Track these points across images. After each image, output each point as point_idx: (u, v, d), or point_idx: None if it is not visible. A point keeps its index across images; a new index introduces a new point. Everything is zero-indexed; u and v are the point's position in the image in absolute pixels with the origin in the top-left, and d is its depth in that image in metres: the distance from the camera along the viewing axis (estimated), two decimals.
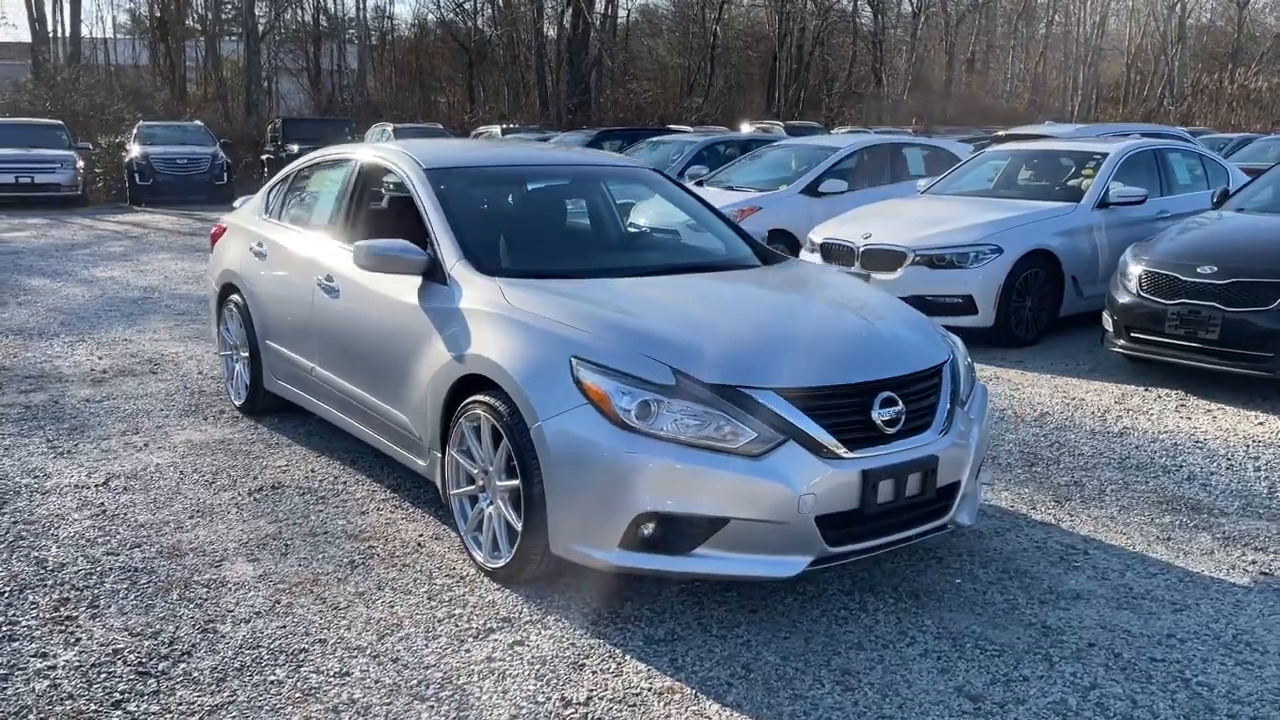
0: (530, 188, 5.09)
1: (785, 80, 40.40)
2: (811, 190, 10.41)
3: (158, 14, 39.69)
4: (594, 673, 3.14)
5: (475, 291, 3.98)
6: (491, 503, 3.74)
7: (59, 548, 4.03)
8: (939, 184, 9.73)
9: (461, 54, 39.71)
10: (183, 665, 3.16)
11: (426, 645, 3.30)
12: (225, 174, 21.03)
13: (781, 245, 9.73)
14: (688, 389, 3.35)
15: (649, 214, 5.93)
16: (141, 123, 22.81)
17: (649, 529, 3.31)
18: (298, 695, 2.99)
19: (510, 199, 4.95)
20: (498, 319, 3.79)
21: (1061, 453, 5.41)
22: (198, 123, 23.48)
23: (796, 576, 3.38)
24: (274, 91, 41.47)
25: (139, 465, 5.02)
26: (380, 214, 5.25)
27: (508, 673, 3.13)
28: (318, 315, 4.91)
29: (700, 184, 11.43)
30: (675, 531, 3.32)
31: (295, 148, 22.37)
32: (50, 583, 3.71)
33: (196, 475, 4.89)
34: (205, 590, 3.68)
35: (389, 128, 24.69)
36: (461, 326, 3.90)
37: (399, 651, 3.26)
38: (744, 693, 3.05)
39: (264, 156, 23.07)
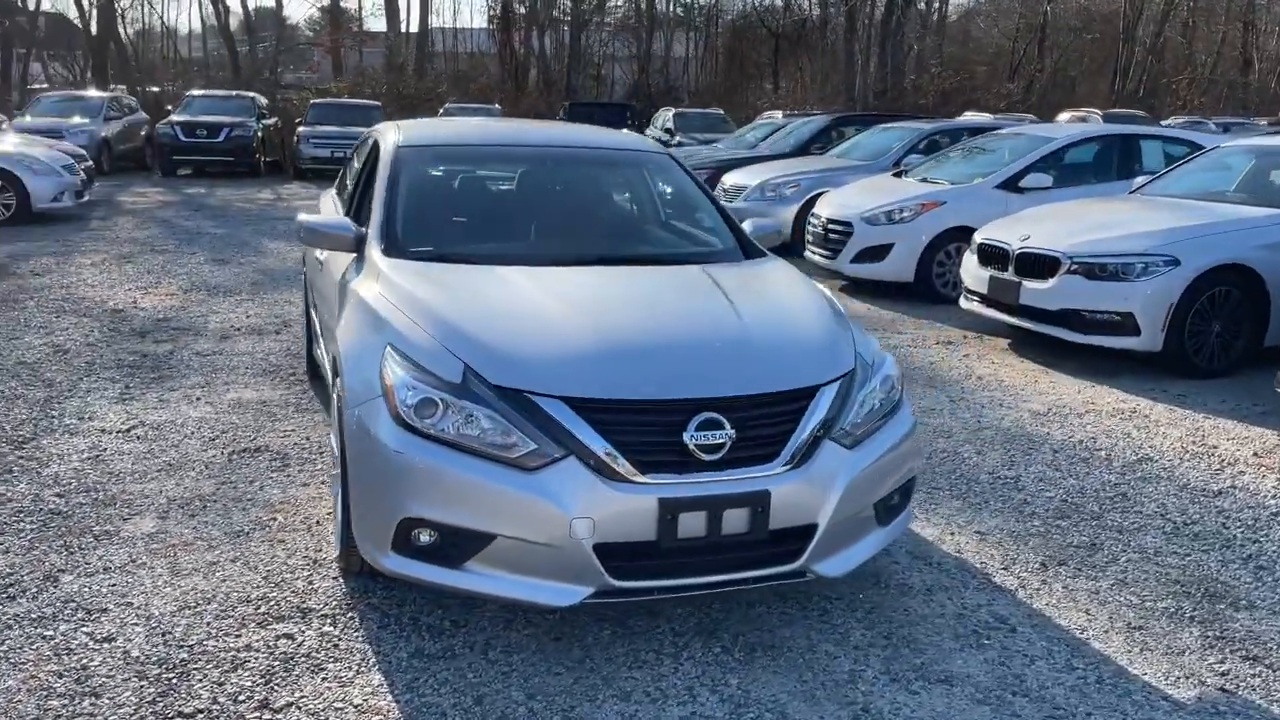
0: (501, 169, 4.96)
1: (1129, 65, 36.74)
2: (1011, 185, 9.38)
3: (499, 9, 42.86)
4: (323, 680, 3.00)
5: (367, 270, 3.91)
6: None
7: (25, 485, 4.42)
8: (1156, 183, 8.43)
9: (774, 40, 39.56)
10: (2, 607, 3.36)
11: (207, 623, 3.30)
12: None
13: (958, 245, 8.89)
14: (475, 389, 3.10)
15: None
16: (447, 104, 24.67)
17: (424, 536, 3.10)
18: (48, 653, 3.09)
19: (473, 180, 4.82)
20: (360, 300, 3.70)
21: (1114, 506, 4.52)
22: (496, 106, 25.02)
23: (575, 608, 3.05)
24: (604, 78, 43.36)
25: (172, 417, 5.41)
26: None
27: (244, 664, 3.06)
28: (315, 286, 5.09)
29: (900, 175, 10.66)
30: (447, 542, 3.08)
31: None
32: None
33: (207, 432, 5.20)
34: (90, 541, 3.89)
35: (670, 112, 25.09)
36: (345, 305, 3.85)
37: (175, 625, 3.28)
38: None
39: None
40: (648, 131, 25.23)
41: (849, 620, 3.47)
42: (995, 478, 4.87)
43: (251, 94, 24.31)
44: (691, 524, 3.03)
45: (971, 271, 7.85)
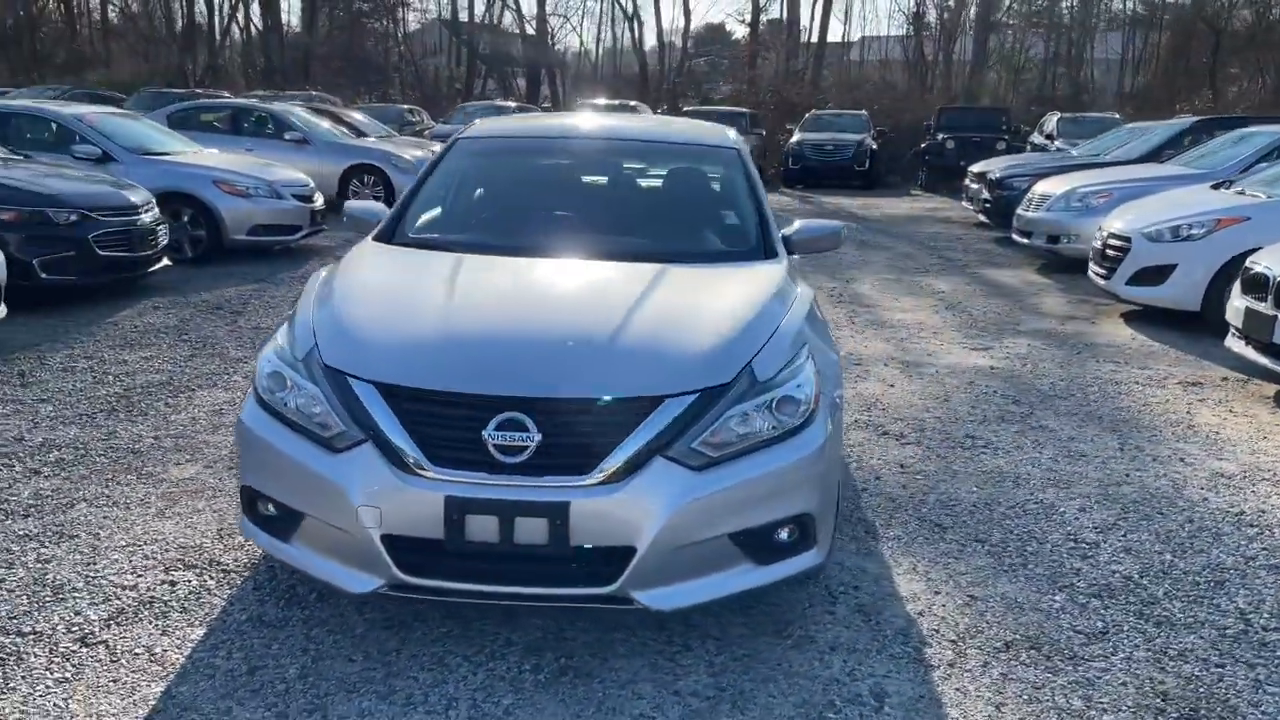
0: (549, 162, 4.88)
1: None
2: None
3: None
4: (154, 626, 3.19)
5: (350, 253, 4.08)
6: None
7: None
8: None
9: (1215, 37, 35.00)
10: None
11: (129, 560, 3.62)
12: (868, 161, 21.77)
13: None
14: (311, 367, 3.14)
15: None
16: (811, 112, 24.55)
17: (267, 507, 3.19)
18: None
19: (512, 172, 4.78)
20: (326, 279, 3.85)
21: (1186, 598, 3.58)
22: (862, 112, 24.47)
23: (369, 595, 2.99)
24: (1020, 80, 40.89)
25: (209, 362, 5.94)
26: None
27: (111, 599, 3.33)
28: None
29: (1222, 186, 9.07)
30: (280, 514, 3.15)
31: (941, 137, 22.22)
32: None
33: (228, 376, 5.84)
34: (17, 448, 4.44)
35: (1055, 117, 23.14)
36: None
37: (108, 558, 3.64)
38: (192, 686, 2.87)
39: (921, 145, 23.19)
40: (1032, 137, 23.46)
41: (699, 664, 3.07)
42: (1067, 539, 4.05)
43: (633, 104, 25.79)
44: (482, 527, 2.85)
45: (1233, 302, 6.52)
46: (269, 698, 2.82)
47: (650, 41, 43.39)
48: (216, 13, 42.86)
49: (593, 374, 2.99)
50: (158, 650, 3.04)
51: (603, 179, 4.69)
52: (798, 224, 4.31)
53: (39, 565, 3.56)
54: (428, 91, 37.54)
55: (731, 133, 4.83)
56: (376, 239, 4.13)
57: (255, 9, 42.83)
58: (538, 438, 2.85)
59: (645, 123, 5.51)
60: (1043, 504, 4.42)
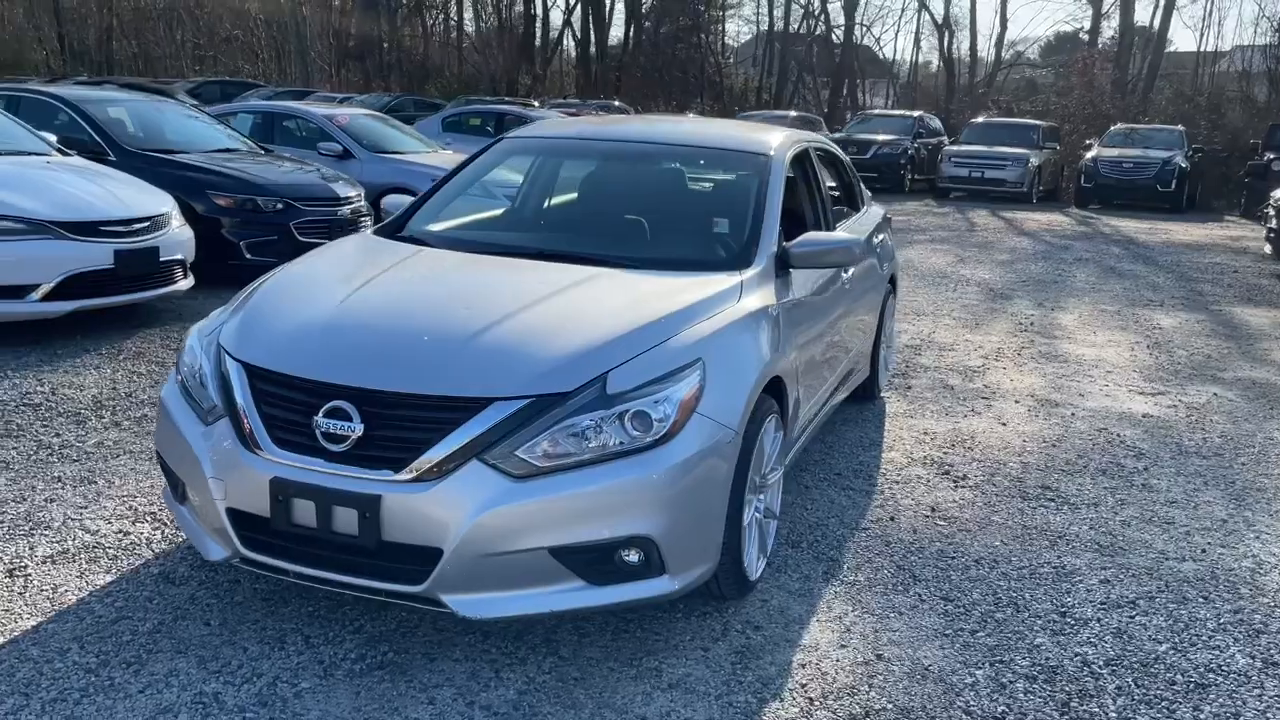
0: (568, 161, 4.78)
1: None
2: None
3: None
4: (70, 568, 3.51)
5: (332, 242, 4.30)
6: None
7: None
8: None
9: None
10: None
11: (113, 505, 4.00)
12: (1174, 181, 19.69)
13: None
14: (211, 344, 3.33)
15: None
16: (1114, 127, 22.50)
17: (169, 472, 3.41)
18: None
19: (540, 172, 4.75)
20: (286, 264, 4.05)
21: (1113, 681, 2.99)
22: (1177, 128, 22.09)
23: (222, 563, 3.13)
24: None
25: None
26: None
27: (68, 536, 3.70)
28: None
29: None
30: (173, 480, 3.35)
31: (1269, 157, 19.66)
32: None
33: None
34: (124, 403, 4.86)
35: None
36: None
37: (99, 501, 4.04)
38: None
39: (1250, 162, 20.55)
40: None
41: (519, 679, 2.95)
42: (1053, 611, 3.49)
43: (919, 114, 24.83)
44: (304, 511, 2.91)
45: None
46: (106, 646, 3.02)
47: (982, 50, 41.24)
48: (538, 25, 45.67)
49: (429, 370, 2.96)
50: (61, 589, 3.35)
51: (613, 181, 4.60)
52: (801, 237, 4.02)
53: (43, 503, 4.01)
54: (727, 102, 38.02)
55: (776, 140, 4.55)
56: (376, 231, 4.30)
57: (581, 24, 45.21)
58: (359, 428, 2.87)
59: (688, 128, 5.30)
60: (1061, 570, 3.85)
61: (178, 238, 7.11)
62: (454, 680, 2.93)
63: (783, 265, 3.97)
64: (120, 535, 3.76)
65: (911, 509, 4.40)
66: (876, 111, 25.97)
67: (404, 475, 2.82)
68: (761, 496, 3.59)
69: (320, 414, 2.91)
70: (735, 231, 4.08)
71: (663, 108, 33.80)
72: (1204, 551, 4.08)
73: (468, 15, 48.41)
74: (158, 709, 2.73)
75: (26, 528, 3.78)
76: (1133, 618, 3.50)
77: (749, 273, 3.74)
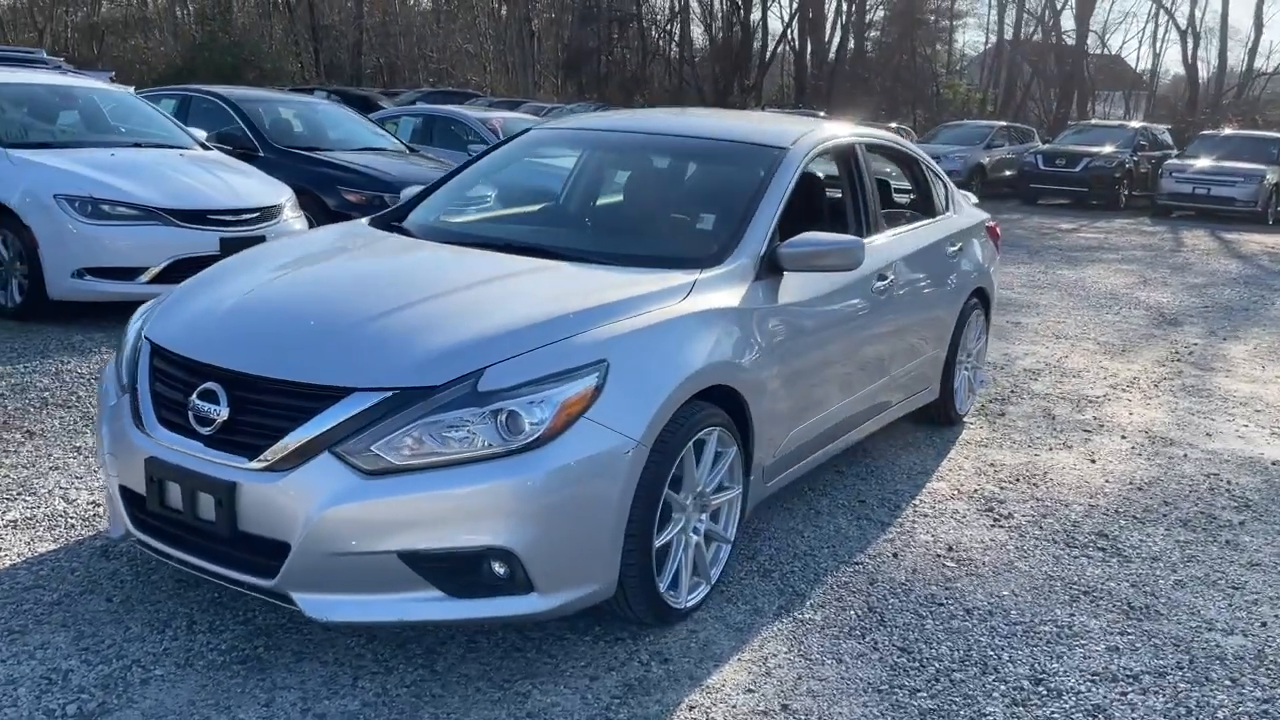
0: (581, 153, 4.52)
1: None
2: None
3: None
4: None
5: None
6: None
7: None
8: None
9: None
10: None
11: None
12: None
13: None
14: (138, 322, 3.35)
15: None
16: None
17: None
18: None
19: (540, 162, 4.54)
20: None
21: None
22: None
23: (120, 541, 3.13)
24: None
25: None
26: None
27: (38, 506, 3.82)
28: None
29: None
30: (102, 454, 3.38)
31: None
32: None
33: None
34: None
35: None
36: None
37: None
38: None
39: None
40: None
41: (370, 690, 2.76)
42: (1021, 679, 2.98)
43: (1141, 125, 22.93)
44: (173, 496, 2.85)
45: None
46: (4, 612, 3.06)
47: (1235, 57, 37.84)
48: (755, 35, 45.48)
49: (297, 356, 2.83)
50: (2, 553, 3.44)
51: (606, 174, 4.35)
52: (795, 237, 3.65)
53: (46, 470, 4.17)
54: (936, 111, 36.54)
55: (798, 135, 4.16)
56: (374, 219, 4.23)
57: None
58: (225, 412, 2.79)
59: (711, 121, 4.92)
60: (1065, 630, 3.30)
61: (289, 229, 7.37)
62: (306, 684, 2.79)
63: (773, 267, 3.61)
64: (91, 506, 3.85)
65: (924, 546, 3.92)
66: (1094, 122, 24.22)
67: (257, 464, 2.71)
68: (703, 517, 3.26)
69: (195, 395, 2.85)
70: (717, 229, 3.76)
71: (866, 117, 32.87)
72: (1264, 625, 3.41)
73: (694, 29, 48.88)
74: (5, 680, 2.73)
75: (16, 492, 3.93)
76: (1123, 695, 2.94)
77: (712, 272, 3.41)
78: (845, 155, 4.44)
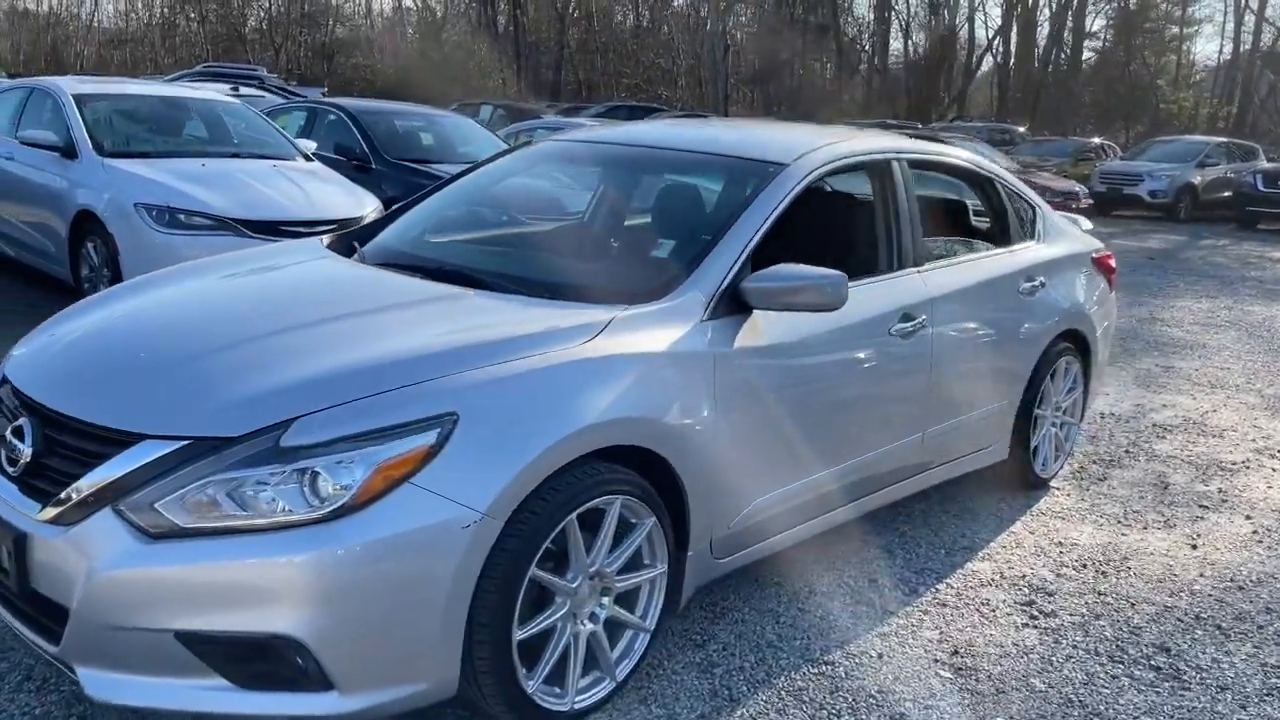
0: (572, 168, 4.02)
1: None
2: None
3: None
4: None
5: None
6: None
7: None
8: None
9: None
10: None
11: None
12: None
13: None
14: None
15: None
16: None
17: None
18: None
19: (526, 178, 4.06)
20: None
21: None
22: None
23: None
24: None
25: None
26: None
27: None
28: None
29: None
30: None
31: None
32: None
33: None
34: None
35: None
36: None
37: None
38: None
39: None
40: None
41: None
42: None
43: None
44: None
45: None
46: None
47: None
48: (960, 46, 43.56)
49: (99, 394, 2.51)
50: None
51: (592, 191, 3.84)
52: (765, 270, 3.07)
53: None
54: (1154, 127, 33.76)
55: (807, 149, 3.53)
56: (336, 238, 3.88)
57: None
58: (29, 451, 2.49)
59: (720, 132, 4.30)
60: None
61: None
62: None
63: (739, 304, 3.04)
64: None
65: (924, 647, 3.23)
66: None
67: (46, 513, 2.39)
68: (604, 601, 2.74)
69: (8, 429, 2.57)
70: (673, 256, 3.23)
71: (1068, 131, 30.73)
72: None
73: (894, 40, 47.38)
74: None
75: None
76: None
77: (642, 308, 2.88)
78: (878, 173, 3.79)
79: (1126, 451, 5.33)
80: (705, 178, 3.70)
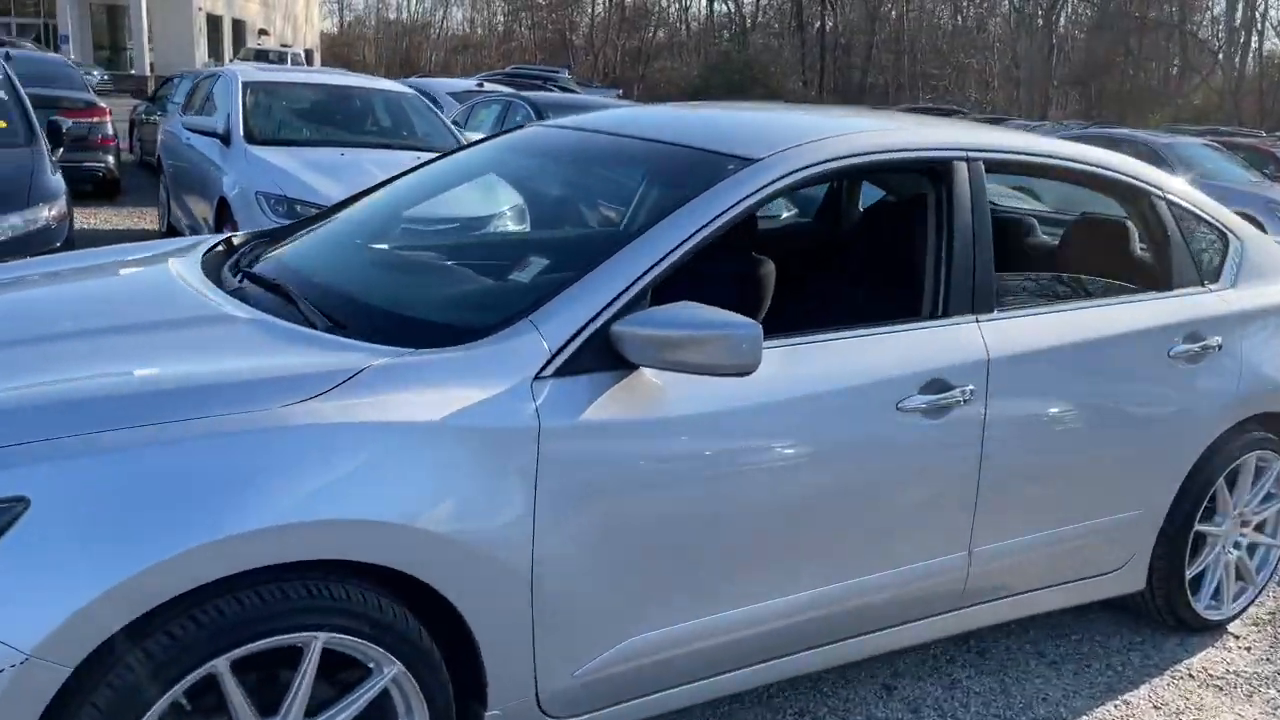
0: (536, 162, 3.03)
1: None
2: None
3: None
4: None
5: None
6: None
7: None
8: None
9: None
10: None
11: None
12: None
13: None
14: None
15: None
16: None
17: None
18: None
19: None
20: None
21: None
22: None
23: None
24: None
25: None
26: None
27: None
28: None
29: None
30: None
31: None
32: None
33: None
34: None
35: None
36: None
37: None
38: None
39: None
40: None
41: None
42: None
43: None
44: None
45: None
46: None
47: None
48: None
49: None
50: None
51: (519, 191, 2.94)
52: (648, 310, 2.10)
53: None
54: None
55: (804, 137, 2.48)
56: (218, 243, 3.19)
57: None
58: None
59: (700, 116, 3.18)
60: None
61: None
62: None
63: (614, 357, 2.10)
64: None
65: None
66: None
67: None
68: None
69: None
70: (528, 282, 2.30)
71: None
72: None
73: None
74: None
75: None
76: None
77: (425, 355, 2.01)
78: (929, 176, 2.67)
79: None
80: (646, 174, 2.72)
